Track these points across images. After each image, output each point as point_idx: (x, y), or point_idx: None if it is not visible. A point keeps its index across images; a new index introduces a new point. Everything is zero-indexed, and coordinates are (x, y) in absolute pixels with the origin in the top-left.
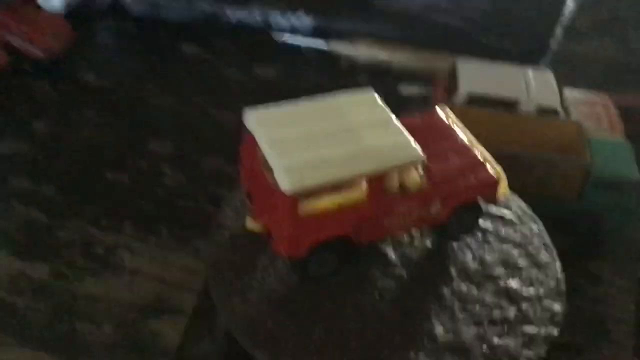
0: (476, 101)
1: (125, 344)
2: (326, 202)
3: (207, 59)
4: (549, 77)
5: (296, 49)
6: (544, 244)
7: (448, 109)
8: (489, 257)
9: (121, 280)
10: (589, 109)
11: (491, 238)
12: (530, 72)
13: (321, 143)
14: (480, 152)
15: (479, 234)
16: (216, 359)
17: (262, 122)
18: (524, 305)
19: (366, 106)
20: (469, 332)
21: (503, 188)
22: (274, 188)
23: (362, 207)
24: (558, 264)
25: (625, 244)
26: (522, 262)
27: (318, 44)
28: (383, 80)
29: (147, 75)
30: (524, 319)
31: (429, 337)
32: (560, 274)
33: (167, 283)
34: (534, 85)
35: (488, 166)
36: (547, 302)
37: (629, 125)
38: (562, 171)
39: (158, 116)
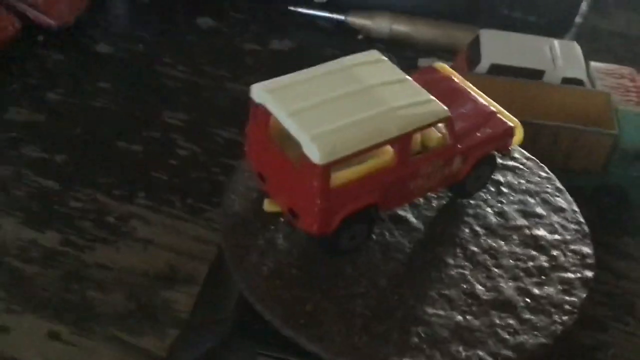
0: (499, 72)
1: (136, 313)
2: (354, 171)
3: (222, 31)
4: (575, 48)
5: (313, 21)
6: (557, 189)
7: (445, 65)
8: (508, 209)
9: (133, 250)
10: (616, 81)
11: (505, 190)
12: (555, 43)
13: (342, 108)
14: (489, 103)
15: (492, 188)
16: (228, 326)
17: (275, 94)
18: (554, 252)
19: (375, 66)
20: (508, 287)
21: (519, 136)
22: (295, 163)
23: (390, 172)
24: (575, 207)
25: None
26: (540, 209)
27: (335, 16)
28: (402, 53)
29: (161, 46)
30: (557, 266)
31: (471, 297)
32: (580, 217)
33: (180, 253)
34: (559, 56)
35: (501, 116)
36: (575, 247)
37: None
38: (588, 142)
39: (172, 87)
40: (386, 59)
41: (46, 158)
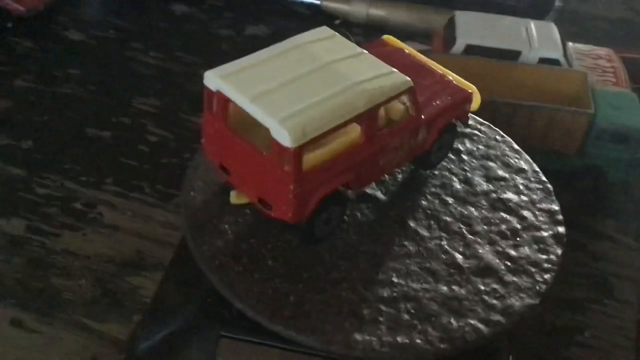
0: (475, 53)
1: (102, 299)
2: (323, 152)
3: (196, 18)
4: (551, 28)
5: (288, 6)
6: (515, 150)
7: (393, 38)
8: (472, 176)
9: (100, 236)
10: (593, 62)
11: (466, 157)
12: (532, 24)
13: (305, 88)
14: (444, 71)
15: (453, 157)
16: (191, 310)
17: (232, 79)
18: (524, 213)
19: (330, 42)
20: (487, 252)
21: (477, 101)
22: (262, 150)
23: (359, 149)
24: (536, 167)
25: (629, 200)
26: (503, 172)
27: (311, 0)
28: (379, 37)
29: (133, 33)
30: (528, 226)
31: (453, 267)
32: (542, 176)
33: (148, 239)
34: (535, 37)
35: (458, 83)
36: (542, 205)
37: (634, 78)
38: (564, 122)
39: (144, 74)
40: (338, 34)
41: (13, 145)
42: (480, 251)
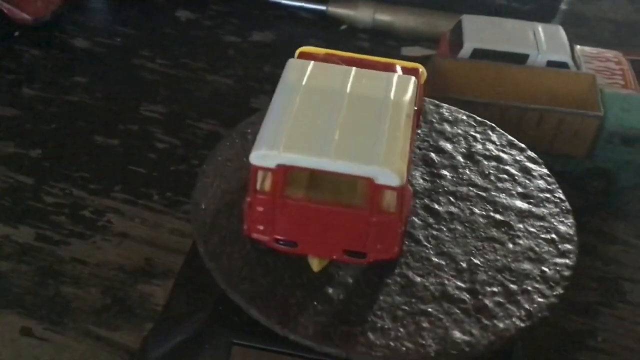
0: (482, 57)
1: (112, 307)
2: None
3: (201, 24)
4: (559, 31)
5: (294, 12)
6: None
7: (311, 47)
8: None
9: (109, 244)
10: (602, 64)
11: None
12: (539, 27)
13: (360, 125)
14: (383, 60)
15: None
16: (203, 317)
17: (294, 147)
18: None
19: (319, 70)
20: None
21: (424, 77)
22: (349, 203)
23: None
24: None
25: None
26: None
27: (316, 6)
28: (386, 42)
29: (140, 41)
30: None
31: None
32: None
33: (157, 246)
34: (543, 40)
35: (399, 66)
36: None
37: None
38: (573, 125)
39: (151, 81)
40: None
41: (21, 153)
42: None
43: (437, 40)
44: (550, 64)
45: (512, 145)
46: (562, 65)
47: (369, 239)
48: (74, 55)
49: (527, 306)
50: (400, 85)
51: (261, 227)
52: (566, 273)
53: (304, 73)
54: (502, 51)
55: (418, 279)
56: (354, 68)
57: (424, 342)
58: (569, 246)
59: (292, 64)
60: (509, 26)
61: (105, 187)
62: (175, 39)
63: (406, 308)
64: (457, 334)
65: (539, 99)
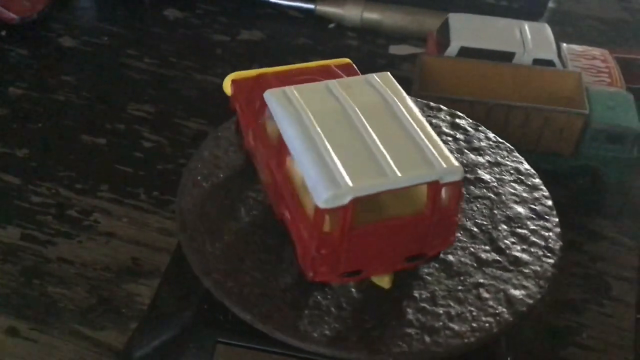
0: (469, 55)
1: (98, 307)
2: None
3: (189, 23)
4: (545, 29)
5: (283, 11)
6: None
7: (242, 72)
8: None
9: (96, 243)
10: (588, 62)
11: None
12: (525, 25)
13: (391, 138)
14: (316, 64)
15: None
16: (188, 316)
17: (359, 178)
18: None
19: (320, 96)
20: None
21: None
22: (414, 212)
23: None
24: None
25: (626, 200)
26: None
27: (305, 5)
28: (374, 41)
29: (127, 39)
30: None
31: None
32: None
33: (144, 245)
34: (529, 38)
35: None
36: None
37: (629, 78)
38: (559, 123)
39: (139, 80)
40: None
41: (8, 153)
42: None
43: (425, 38)
44: (537, 62)
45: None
46: (548, 63)
47: (428, 239)
48: (61, 55)
49: (543, 243)
50: (386, 83)
51: (327, 269)
52: (549, 202)
53: (296, 100)
54: (488, 49)
55: (452, 258)
56: (334, 81)
57: (496, 311)
58: (534, 180)
59: (274, 95)
60: (496, 24)
61: (92, 187)
62: (163, 37)
63: (461, 287)
64: (514, 292)
65: (525, 97)
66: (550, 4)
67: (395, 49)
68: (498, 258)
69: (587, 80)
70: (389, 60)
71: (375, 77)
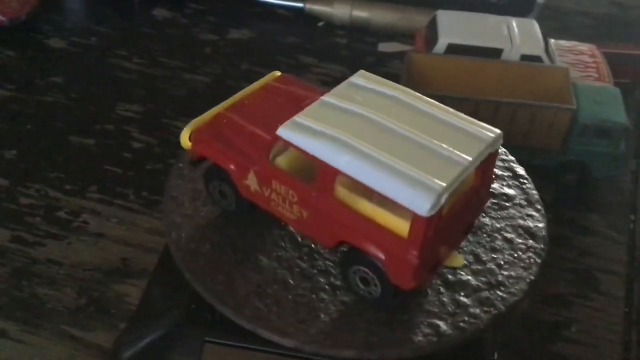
0: (457, 52)
1: (87, 308)
2: None
3: (178, 22)
4: (533, 25)
5: (272, 9)
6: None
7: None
8: None
9: (85, 244)
10: (575, 57)
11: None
12: (513, 21)
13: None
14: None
15: None
16: (175, 316)
17: (434, 189)
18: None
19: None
20: None
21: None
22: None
23: None
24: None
25: (614, 194)
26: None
27: (294, 3)
28: (363, 38)
29: (116, 40)
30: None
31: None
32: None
33: (133, 245)
34: (517, 34)
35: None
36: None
37: (617, 73)
38: (547, 118)
39: (127, 81)
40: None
41: None
42: None
43: (413, 36)
44: (524, 58)
45: None
46: (536, 59)
47: (478, 205)
48: (50, 56)
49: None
50: (375, 81)
51: (424, 272)
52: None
53: (317, 126)
54: (476, 46)
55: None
56: (327, 95)
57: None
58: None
59: (292, 130)
60: (483, 21)
61: (81, 188)
62: (152, 37)
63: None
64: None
65: (513, 93)
66: (539, 0)
67: (385, 47)
68: None
69: (575, 75)
70: (378, 57)
71: (359, 80)
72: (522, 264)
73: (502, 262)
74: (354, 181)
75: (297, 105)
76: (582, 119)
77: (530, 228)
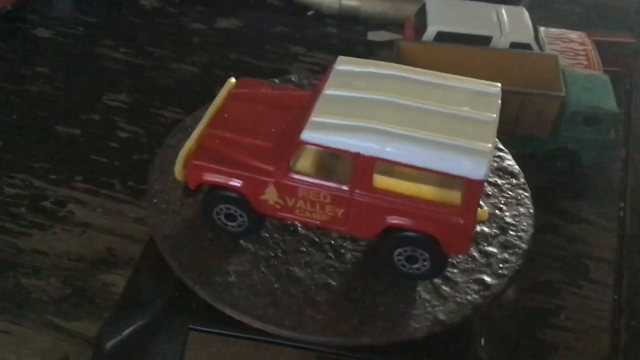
0: (446, 40)
1: (72, 297)
2: None
3: (166, 12)
4: (522, 13)
5: None
6: None
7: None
8: None
9: (70, 234)
10: (565, 45)
11: None
12: (502, 9)
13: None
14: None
15: None
16: (159, 304)
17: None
18: None
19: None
20: None
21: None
22: None
23: None
24: None
25: (603, 182)
26: None
27: None
28: (353, 28)
29: (103, 29)
30: None
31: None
32: None
33: (119, 235)
34: (506, 22)
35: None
36: None
37: (607, 61)
38: (536, 106)
39: (114, 70)
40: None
41: None
42: None
43: (403, 24)
44: (514, 45)
45: None
46: (525, 46)
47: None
48: (36, 46)
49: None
50: (361, 63)
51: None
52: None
53: (338, 121)
54: (465, 33)
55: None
56: (327, 87)
57: None
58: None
59: (317, 132)
60: (473, 9)
61: (67, 177)
62: (139, 27)
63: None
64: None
65: (503, 81)
66: None
67: (374, 35)
68: None
69: (564, 63)
70: (367, 46)
71: (344, 66)
72: (517, 202)
73: (501, 206)
74: (390, 166)
75: (279, 107)
76: (572, 106)
77: (507, 168)
